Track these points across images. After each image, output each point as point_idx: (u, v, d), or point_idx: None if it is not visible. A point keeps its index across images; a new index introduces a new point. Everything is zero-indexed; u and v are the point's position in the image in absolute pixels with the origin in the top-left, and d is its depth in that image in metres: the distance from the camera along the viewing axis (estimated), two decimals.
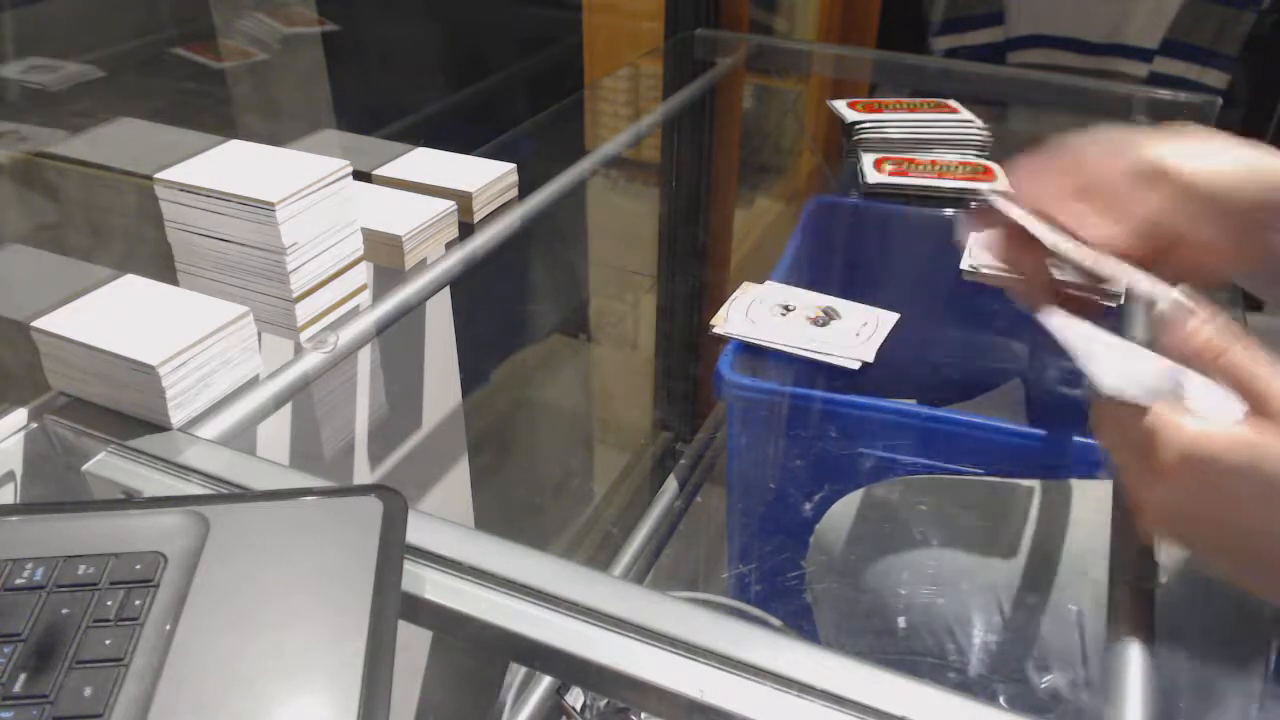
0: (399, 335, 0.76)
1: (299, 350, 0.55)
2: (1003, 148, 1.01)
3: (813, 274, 1.01)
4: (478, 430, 1.00)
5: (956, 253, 0.85)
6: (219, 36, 0.69)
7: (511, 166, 0.71)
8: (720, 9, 1.19)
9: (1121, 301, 0.56)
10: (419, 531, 0.40)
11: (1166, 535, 0.43)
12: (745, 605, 0.88)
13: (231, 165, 0.55)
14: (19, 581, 0.35)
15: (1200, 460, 0.38)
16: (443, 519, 0.41)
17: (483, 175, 0.68)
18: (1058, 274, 0.49)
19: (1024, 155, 0.50)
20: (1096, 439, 0.44)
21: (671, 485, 1.11)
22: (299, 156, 0.56)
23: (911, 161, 0.97)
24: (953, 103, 1.05)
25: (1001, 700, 0.64)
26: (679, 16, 1.16)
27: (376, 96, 0.89)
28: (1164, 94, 1.02)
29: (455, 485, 0.89)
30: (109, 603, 0.34)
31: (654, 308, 1.42)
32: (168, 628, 0.33)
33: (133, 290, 0.51)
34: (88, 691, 0.31)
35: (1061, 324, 0.46)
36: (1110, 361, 0.43)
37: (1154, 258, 0.46)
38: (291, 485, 0.41)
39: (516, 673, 0.83)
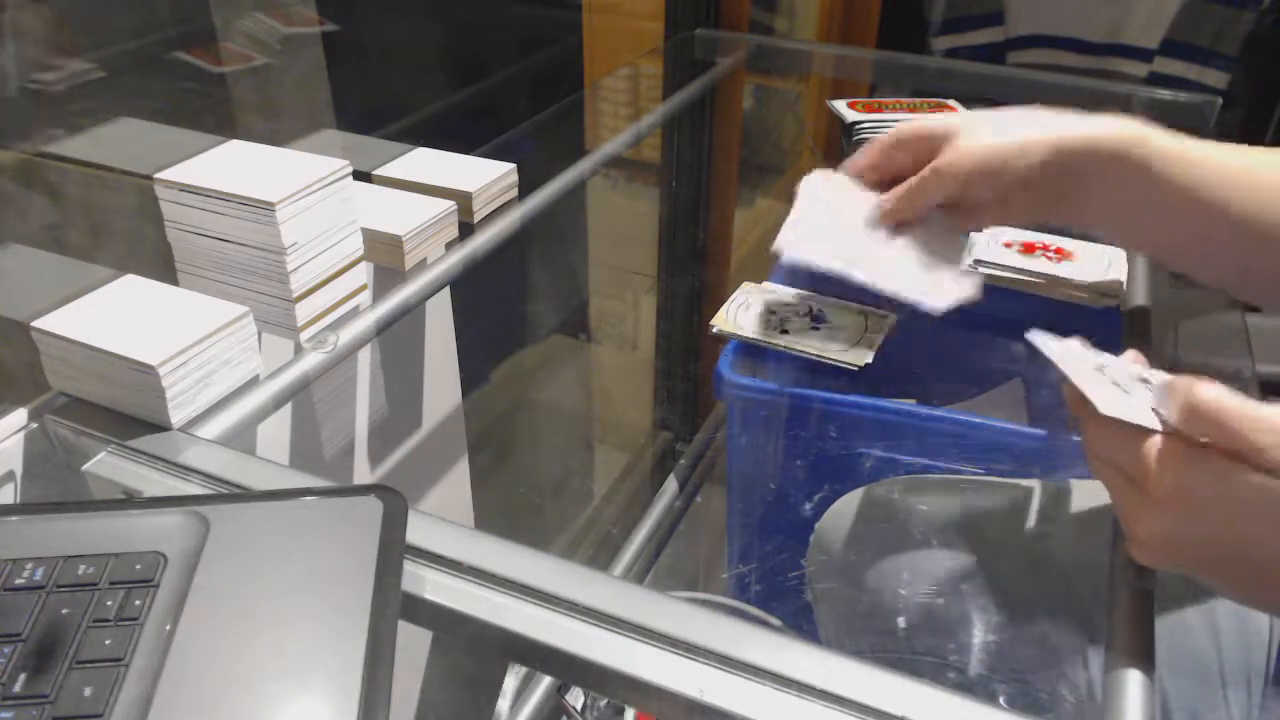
0: (399, 335, 0.76)
1: (299, 350, 0.55)
2: None
3: (813, 274, 1.00)
4: (478, 430, 1.00)
5: None
6: (219, 38, 0.69)
7: (511, 166, 0.71)
8: (720, 9, 1.18)
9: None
10: (419, 531, 0.40)
11: (1165, 563, 0.42)
12: (745, 605, 0.88)
13: (231, 165, 0.55)
14: (19, 581, 0.35)
15: (1200, 484, 0.37)
16: (443, 519, 0.41)
17: (483, 175, 0.69)
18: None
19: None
20: (1090, 461, 0.43)
21: (671, 485, 1.11)
22: (299, 156, 0.56)
23: None
24: (952, 103, 1.05)
25: (1001, 700, 0.64)
26: (679, 16, 1.16)
27: (376, 96, 0.88)
28: (1164, 94, 1.02)
29: (455, 485, 0.89)
30: (109, 603, 0.34)
31: (654, 308, 1.42)
32: (168, 628, 0.33)
33: (133, 290, 0.51)
34: (88, 691, 0.31)
35: (1057, 348, 0.46)
36: (1106, 386, 0.42)
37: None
38: (291, 485, 0.41)
39: (517, 673, 0.83)
